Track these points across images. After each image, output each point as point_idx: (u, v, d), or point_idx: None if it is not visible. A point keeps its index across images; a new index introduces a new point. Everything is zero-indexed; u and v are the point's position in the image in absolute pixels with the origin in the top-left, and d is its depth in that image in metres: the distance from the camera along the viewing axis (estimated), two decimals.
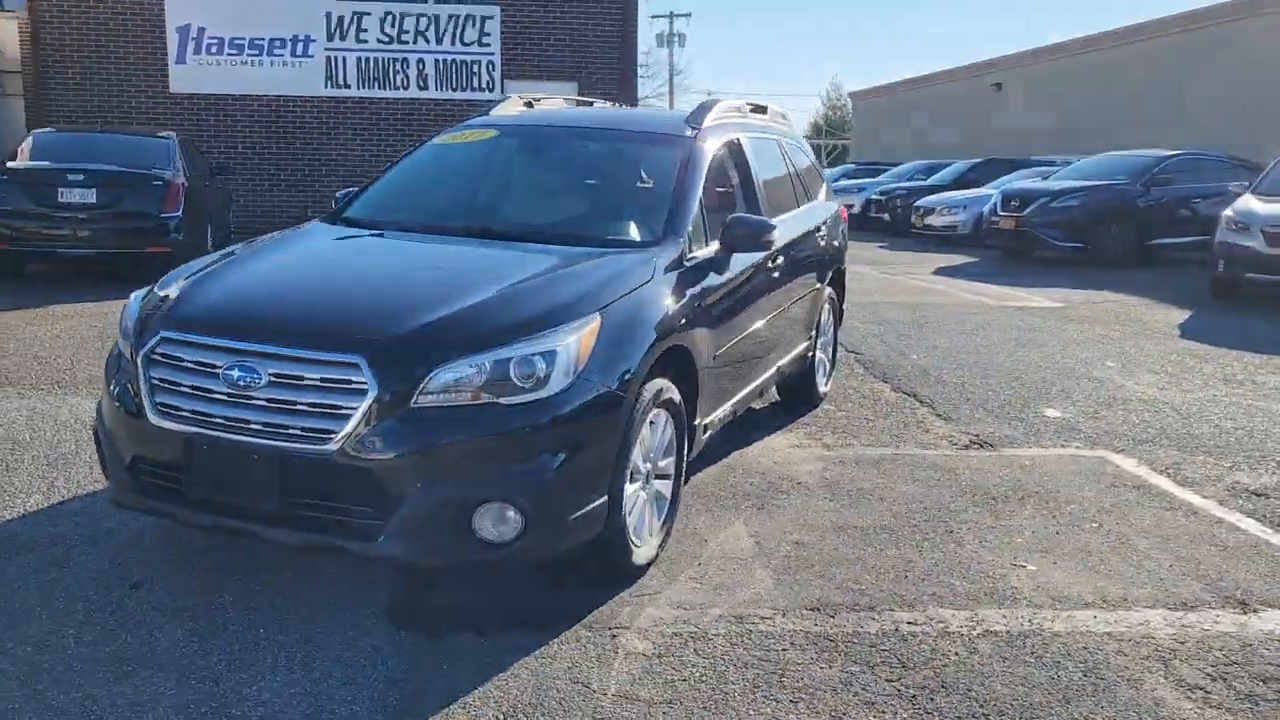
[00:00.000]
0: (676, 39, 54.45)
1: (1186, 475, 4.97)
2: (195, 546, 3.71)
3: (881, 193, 21.69)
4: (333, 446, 2.91)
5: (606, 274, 3.57)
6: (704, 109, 4.86)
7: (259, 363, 3.00)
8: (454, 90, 17.00)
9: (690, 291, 3.85)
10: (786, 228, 5.04)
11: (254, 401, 2.99)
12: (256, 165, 16.59)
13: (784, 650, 3.10)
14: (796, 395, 6.03)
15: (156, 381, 3.15)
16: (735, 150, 4.91)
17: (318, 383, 2.96)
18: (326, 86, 16.74)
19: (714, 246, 4.16)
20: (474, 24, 16.92)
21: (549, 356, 3.04)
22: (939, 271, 14.14)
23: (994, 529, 4.20)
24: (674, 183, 4.24)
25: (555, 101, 5.56)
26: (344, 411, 2.92)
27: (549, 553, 3.17)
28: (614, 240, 4.01)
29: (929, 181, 21.27)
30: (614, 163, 4.71)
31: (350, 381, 2.93)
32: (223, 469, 3.06)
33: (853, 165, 30.14)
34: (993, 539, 4.09)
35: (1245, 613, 3.43)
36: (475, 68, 17.08)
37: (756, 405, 5.59)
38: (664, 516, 3.75)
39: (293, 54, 16.59)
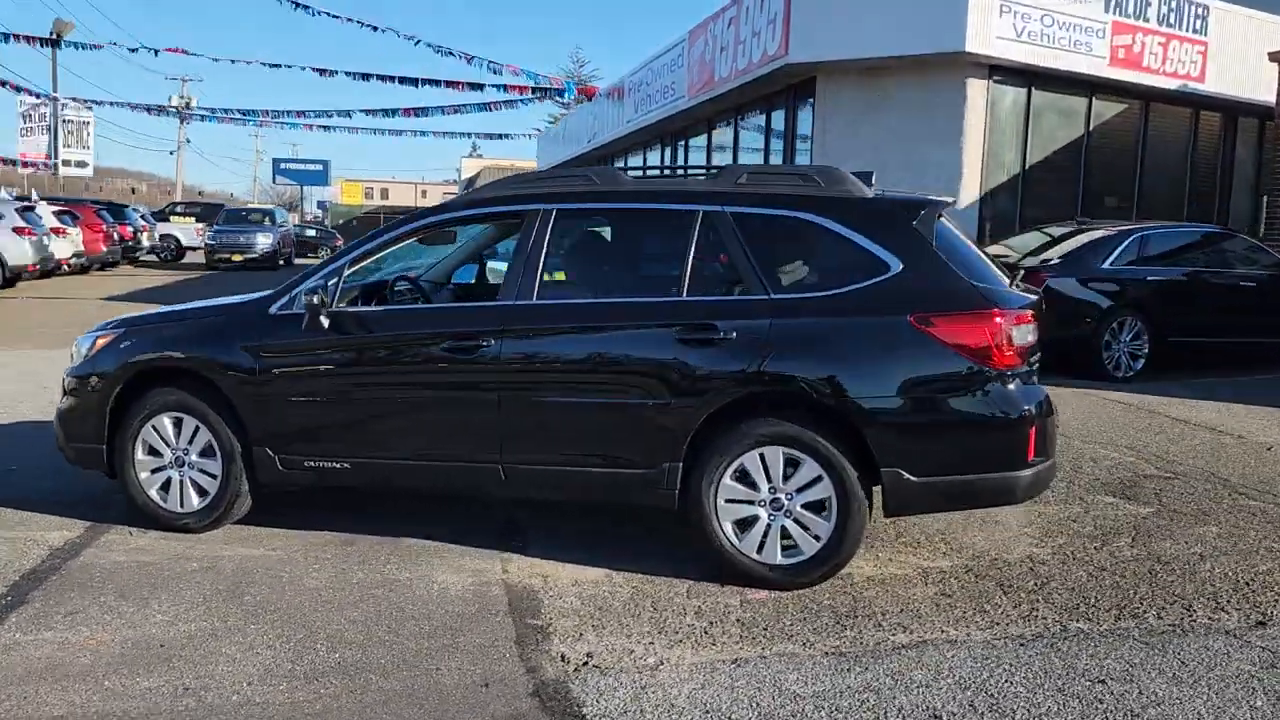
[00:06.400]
0: None
1: None
2: None
3: None
4: None
5: (193, 310, 5.53)
6: (473, 183, 5.07)
7: None
8: None
9: (249, 334, 4.97)
10: (560, 312, 4.79)
11: None
12: None
13: None
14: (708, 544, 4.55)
15: None
16: (508, 224, 5.36)
17: None
18: None
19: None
20: None
21: (83, 342, 5.39)
22: None
23: None
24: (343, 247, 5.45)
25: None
26: None
27: (78, 464, 5.31)
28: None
29: None
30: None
31: None
32: None
33: None
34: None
35: None
36: None
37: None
38: (208, 500, 5.06)
39: None
